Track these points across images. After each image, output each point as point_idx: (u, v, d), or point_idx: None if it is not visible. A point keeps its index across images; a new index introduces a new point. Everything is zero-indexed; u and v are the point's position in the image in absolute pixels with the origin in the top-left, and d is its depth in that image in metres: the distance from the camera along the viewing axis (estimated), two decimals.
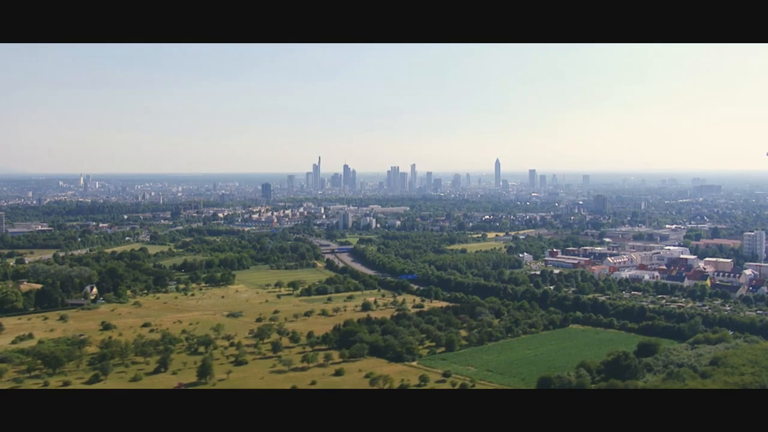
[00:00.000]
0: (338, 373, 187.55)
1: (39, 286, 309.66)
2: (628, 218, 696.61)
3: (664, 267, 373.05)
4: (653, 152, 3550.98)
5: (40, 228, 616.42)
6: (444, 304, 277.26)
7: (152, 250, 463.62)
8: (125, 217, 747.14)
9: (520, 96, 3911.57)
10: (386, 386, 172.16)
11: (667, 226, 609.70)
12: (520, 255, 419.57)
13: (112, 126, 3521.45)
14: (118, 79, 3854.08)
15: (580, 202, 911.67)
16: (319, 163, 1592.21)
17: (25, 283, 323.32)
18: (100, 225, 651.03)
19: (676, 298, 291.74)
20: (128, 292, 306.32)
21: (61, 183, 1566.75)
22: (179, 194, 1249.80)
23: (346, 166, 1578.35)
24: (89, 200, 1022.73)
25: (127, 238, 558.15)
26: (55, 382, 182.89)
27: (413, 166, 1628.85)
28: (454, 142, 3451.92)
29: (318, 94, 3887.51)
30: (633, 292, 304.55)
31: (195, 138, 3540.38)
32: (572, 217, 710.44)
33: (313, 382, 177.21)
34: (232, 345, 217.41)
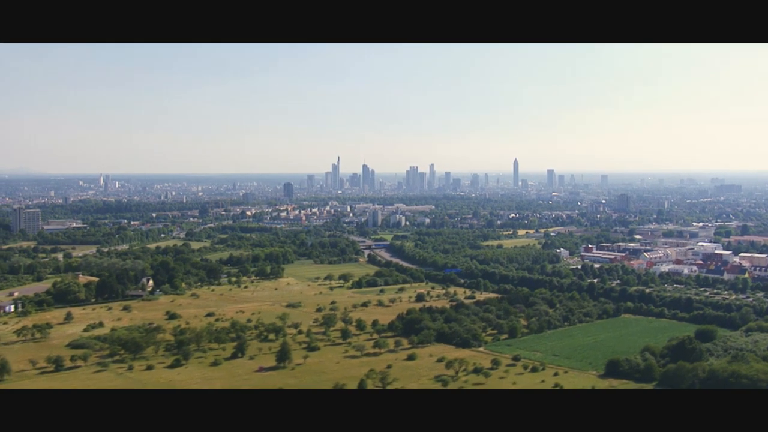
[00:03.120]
0: (410, 357, 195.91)
1: (94, 278, 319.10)
2: (654, 216, 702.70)
3: (701, 262, 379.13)
4: (669, 152, 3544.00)
5: (74, 225, 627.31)
6: (493, 295, 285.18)
7: (192, 246, 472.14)
8: (154, 215, 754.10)
9: (535, 96, 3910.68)
10: (461, 369, 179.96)
11: (695, 223, 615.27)
12: (557, 250, 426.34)
13: (127, 126, 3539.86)
14: (133, 79, 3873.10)
15: (603, 201, 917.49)
16: (338, 162, 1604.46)
17: (80, 275, 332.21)
18: (132, 223, 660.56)
19: (719, 291, 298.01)
20: (182, 285, 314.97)
21: (81, 183, 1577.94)
22: (200, 194, 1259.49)
23: (365, 166, 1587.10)
24: (113, 199, 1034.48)
25: (162, 235, 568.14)
26: (138, 366, 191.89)
27: (432, 166, 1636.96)
28: (470, 142, 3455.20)
29: (334, 95, 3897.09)
30: (675, 285, 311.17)
31: (210, 138, 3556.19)
32: (598, 216, 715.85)
33: (389, 366, 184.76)
34: (300, 333, 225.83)
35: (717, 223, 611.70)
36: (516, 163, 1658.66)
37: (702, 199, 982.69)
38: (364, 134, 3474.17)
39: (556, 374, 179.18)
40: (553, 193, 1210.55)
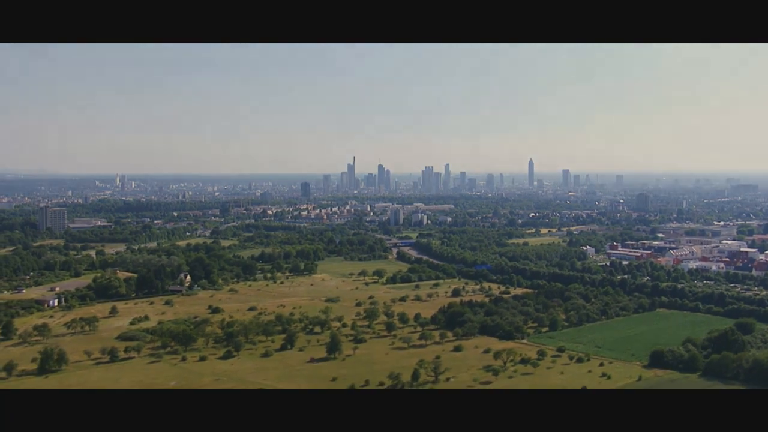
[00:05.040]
0: (457, 349, 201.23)
1: (130, 274, 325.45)
2: (674, 215, 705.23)
3: (727, 259, 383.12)
4: (682, 153, 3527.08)
5: (99, 224, 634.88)
6: (527, 291, 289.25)
7: (221, 243, 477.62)
8: (175, 214, 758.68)
9: (548, 96, 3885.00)
10: (509, 360, 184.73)
11: (716, 222, 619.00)
12: (583, 248, 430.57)
13: (138, 127, 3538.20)
14: (144, 80, 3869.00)
15: (621, 201, 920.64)
16: (353, 162, 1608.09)
17: (118, 271, 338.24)
18: (155, 221, 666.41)
19: (749, 287, 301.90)
20: (219, 280, 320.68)
21: (97, 183, 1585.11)
22: (216, 193, 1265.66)
23: (380, 166, 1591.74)
24: (131, 199, 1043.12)
25: (187, 234, 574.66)
26: (191, 357, 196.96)
27: (447, 166, 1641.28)
28: (483, 142, 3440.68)
29: (347, 96, 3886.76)
30: (705, 281, 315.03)
31: (222, 139, 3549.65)
32: (618, 215, 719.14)
33: (438, 357, 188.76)
34: (344, 326, 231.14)
35: (738, 222, 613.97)
36: (531, 163, 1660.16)
37: (719, 199, 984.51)
38: (378, 135, 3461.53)
39: (601, 365, 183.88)
40: (570, 193, 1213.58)
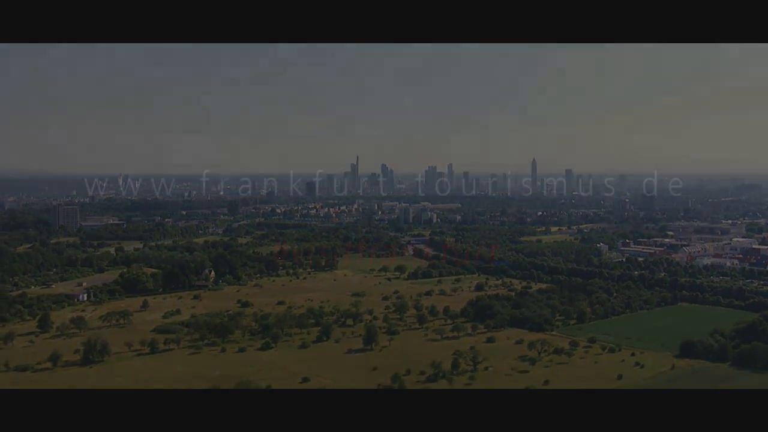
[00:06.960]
0: (489, 340, 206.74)
1: (154, 270, 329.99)
2: (681, 214, 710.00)
3: (740, 256, 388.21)
4: (684, 153, 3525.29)
5: (111, 222, 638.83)
6: (549, 285, 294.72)
7: (238, 240, 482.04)
8: (184, 213, 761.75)
9: (550, 96, 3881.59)
10: (543, 350, 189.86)
11: (723, 221, 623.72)
12: (597, 245, 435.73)
13: (139, 126, 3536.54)
14: (145, 80, 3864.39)
15: (627, 200, 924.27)
16: (357, 162, 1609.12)
17: (141, 267, 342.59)
18: (165, 220, 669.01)
19: (766, 282, 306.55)
20: (243, 276, 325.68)
21: (100, 183, 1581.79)
22: (220, 193, 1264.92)
23: (384, 166, 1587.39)
24: (137, 198, 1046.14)
25: (200, 232, 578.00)
26: (230, 349, 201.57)
27: (450, 166, 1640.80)
28: (484, 143, 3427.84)
29: (350, 95, 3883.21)
30: (721, 277, 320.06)
31: (223, 139, 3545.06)
32: (625, 213, 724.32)
33: (472, 347, 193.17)
34: (375, 318, 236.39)
35: (746, 221, 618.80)
36: (534, 163, 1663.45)
37: (724, 198, 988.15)
38: (379, 135, 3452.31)
39: (633, 354, 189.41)
40: (574, 192, 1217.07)
